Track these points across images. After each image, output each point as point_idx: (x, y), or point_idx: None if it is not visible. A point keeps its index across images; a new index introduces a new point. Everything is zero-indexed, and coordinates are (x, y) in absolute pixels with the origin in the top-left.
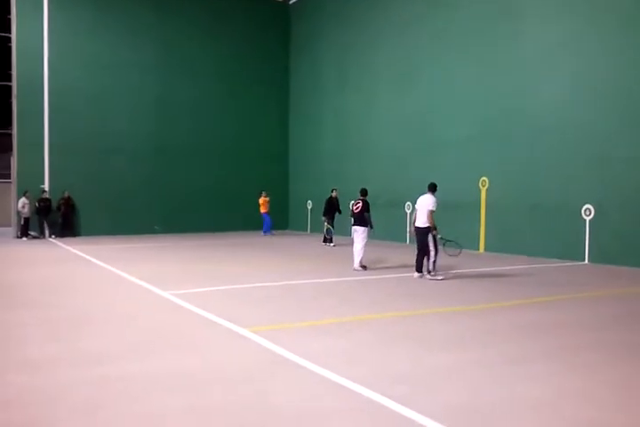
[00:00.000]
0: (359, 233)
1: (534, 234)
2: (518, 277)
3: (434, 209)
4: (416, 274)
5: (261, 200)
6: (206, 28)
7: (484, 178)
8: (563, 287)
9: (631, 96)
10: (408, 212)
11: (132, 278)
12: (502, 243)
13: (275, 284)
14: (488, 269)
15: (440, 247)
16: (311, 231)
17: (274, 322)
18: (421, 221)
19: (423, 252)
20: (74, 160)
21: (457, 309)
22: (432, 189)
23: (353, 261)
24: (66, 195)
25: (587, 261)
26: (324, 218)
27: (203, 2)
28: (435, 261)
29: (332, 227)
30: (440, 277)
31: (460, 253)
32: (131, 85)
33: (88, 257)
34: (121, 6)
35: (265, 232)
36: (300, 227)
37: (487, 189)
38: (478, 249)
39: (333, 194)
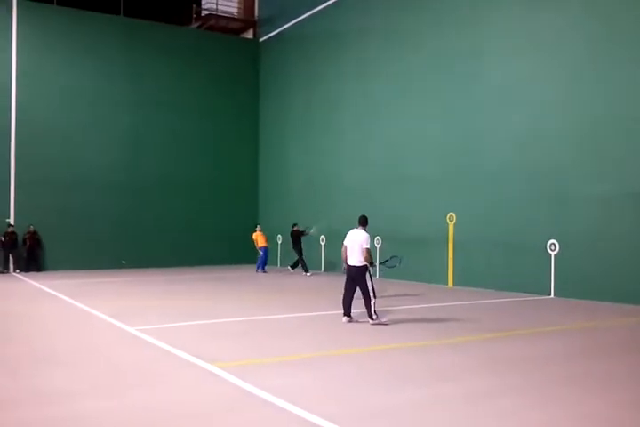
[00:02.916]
0: None
1: (501, 268)
2: (485, 312)
3: (368, 247)
4: (345, 319)
5: (255, 235)
6: (178, 64)
7: (451, 213)
8: (529, 321)
9: (589, 135)
10: (377, 246)
11: (98, 314)
12: (470, 277)
13: (244, 319)
14: (457, 303)
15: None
16: (281, 265)
17: (242, 358)
18: (356, 259)
19: (352, 293)
20: (40, 194)
21: (425, 343)
22: (363, 222)
23: None
24: (31, 229)
25: (552, 295)
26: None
27: (175, 37)
28: (375, 304)
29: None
30: (385, 320)
31: (400, 263)
32: (101, 119)
33: (53, 292)
34: (93, 40)
35: (259, 269)
36: (271, 261)
37: (454, 224)
38: (447, 284)
39: (294, 228)
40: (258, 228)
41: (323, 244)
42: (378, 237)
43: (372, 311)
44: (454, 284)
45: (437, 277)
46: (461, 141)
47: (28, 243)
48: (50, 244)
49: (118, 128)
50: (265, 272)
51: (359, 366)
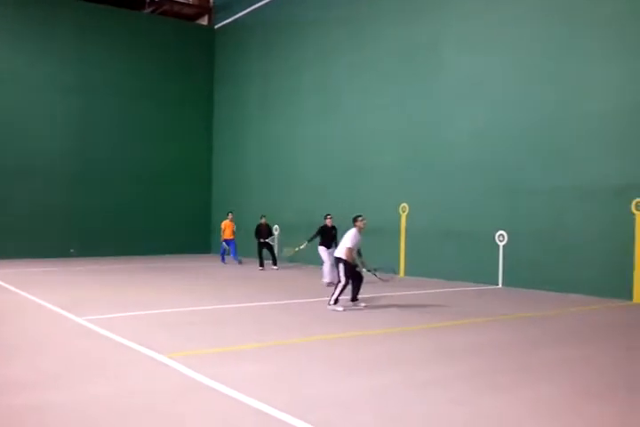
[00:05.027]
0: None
1: (451, 259)
2: (436, 301)
3: (350, 246)
4: (350, 303)
5: (224, 224)
6: (130, 50)
7: (403, 204)
8: (477, 311)
9: (539, 130)
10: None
11: (45, 304)
12: (421, 267)
13: (194, 308)
14: (408, 292)
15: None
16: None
17: (192, 348)
18: (338, 251)
19: (354, 281)
20: None
21: (379, 332)
22: (353, 222)
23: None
24: None
25: (500, 285)
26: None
27: (127, 22)
28: (340, 293)
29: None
30: (340, 309)
31: (393, 277)
32: (48, 104)
33: None
34: (40, 23)
35: (225, 260)
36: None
37: (407, 215)
38: (398, 274)
39: (262, 221)
40: (229, 216)
41: (276, 233)
42: None
43: (334, 297)
44: (406, 273)
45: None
46: (415, 133)
47: None
48: None
49: (66, 114)
50: (240, 263)
51: (311, 355)
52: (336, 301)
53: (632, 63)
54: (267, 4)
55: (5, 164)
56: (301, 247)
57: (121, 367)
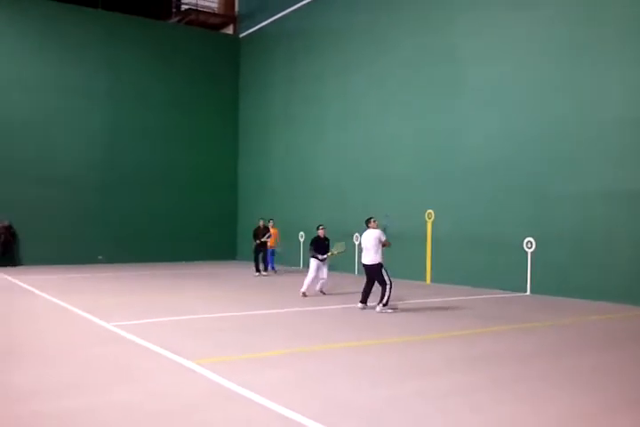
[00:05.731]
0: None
1: (478, 265)
2: (461, 309)
3: (384, 238)
4: (360, 305)
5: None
6: (156, 59)
7: (429, 211)
8: (504, 318)
9: (562, 135)
10: (356, 243)
11: (75, 309)
12: (448, 274)
13: (221, 315)
14: (433, 299)
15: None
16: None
17: (219, 354)
18: (369, 258)
19: (372, 284)
20: (14, 188)
21: (402, 339)
22: (366, 223)
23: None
24: (6, 223)
25: (528, 293)
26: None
27: (154, 32)
28: (389, 295)
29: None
30: (391, 311)
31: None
32: (77, 114)
33: (28, 287)
34: (70, 33)
35: (273, 268)
36: (249, 257)
37: (433, 222)
38: (425, 280)
39: (261, 223)
40: (271, 223)
41: (302, 240)
42: (357, 234)
43: (385, 301)
44: (432, 280)
45: (416, 273)
46: (440, 140)
47: (2, 237)
48: (25, 238)
49: (94, 123)
50: (274, 271)
51: (339, 363)
52: (386, 303)
53: None
54: (290, 13)
55: (34, 171)
56: (335, 252)
57: (149, 374)
